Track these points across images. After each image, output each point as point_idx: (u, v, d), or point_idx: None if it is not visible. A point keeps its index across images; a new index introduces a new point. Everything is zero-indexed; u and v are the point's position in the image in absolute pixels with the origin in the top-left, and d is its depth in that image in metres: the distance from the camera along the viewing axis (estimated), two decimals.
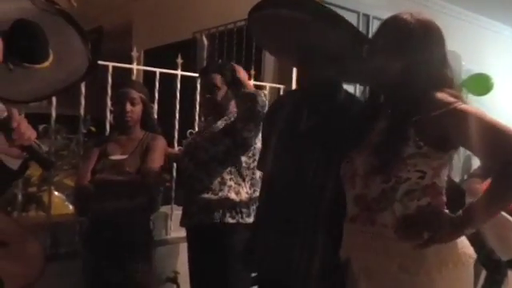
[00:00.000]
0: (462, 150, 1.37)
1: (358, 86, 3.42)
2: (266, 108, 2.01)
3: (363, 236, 1.34)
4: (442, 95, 1.26)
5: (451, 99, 1.24)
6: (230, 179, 2.15)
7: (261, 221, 1.80)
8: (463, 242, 1.30)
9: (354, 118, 1.58)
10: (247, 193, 2.15)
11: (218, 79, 2.20)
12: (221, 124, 2.20)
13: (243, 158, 2.18)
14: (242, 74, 2.11)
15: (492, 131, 1.19)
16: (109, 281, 2.08)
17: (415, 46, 1.31)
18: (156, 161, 2.13)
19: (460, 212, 1.20)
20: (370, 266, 1.32)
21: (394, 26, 1.35)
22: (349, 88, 3.24)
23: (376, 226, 1.31)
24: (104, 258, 2.08)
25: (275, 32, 1.70)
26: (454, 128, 1.23)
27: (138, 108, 2.21)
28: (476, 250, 1.36)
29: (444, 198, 1.34)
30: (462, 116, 1.21)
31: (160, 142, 2.22)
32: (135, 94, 2.19)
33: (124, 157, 2.13)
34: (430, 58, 1.32)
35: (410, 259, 1.25)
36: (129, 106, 2.17)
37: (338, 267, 1.46)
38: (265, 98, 2.08)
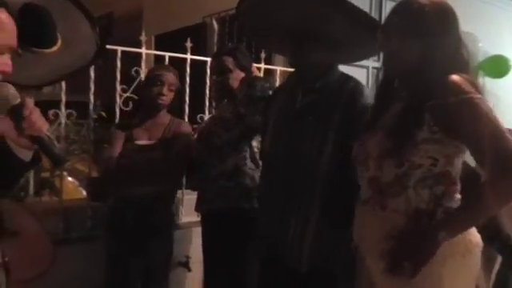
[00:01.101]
0: None
1: (370, 70, 3.39)
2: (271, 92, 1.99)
3: (372, 218, 1.34)
4: (458, 80, 1.23)
5: (468, 88, 1.21)
6: (244, 165, 2.13)
7: (262, 199, 1.84)
8: (470, 230, 1.27)
9: (366, 100, 1.59)
10: None
11: (230, 62, 2.17)
12: (233, 109, 2.18)
13: (254, 143, 2.16)
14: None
15: (494, 139, 1.17)
16: (131, 266, 2.10)
17: (430, 28, 1.28)
18: (183, 148, 2.11)
19: (437, 222, 1.22)
20: (376, 248, 1.31)
21: (408, 8, 1.32)
22: (361, 72, 3.21)
23: (386, 211, 1.29)
24: (127, 243, 2.09)
25: (267, 15, 1.69)
26: (462, 118, 1.20)
27: (172, 95, 2.18)
28: (492, 236, 1.34)
29: (458, 187, 1.31)
30: (474, 110, 1.19)
31: (187, 129, 2.20)
32: (174, 81, 2.17)
33: (151, 142, 2.12)
34: (445, 40, 1.29)
35: None
36: (166, 90, 2.14)
37: (344, 248, 1.48)
38: (267, 83, 2.05)
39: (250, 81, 1.97)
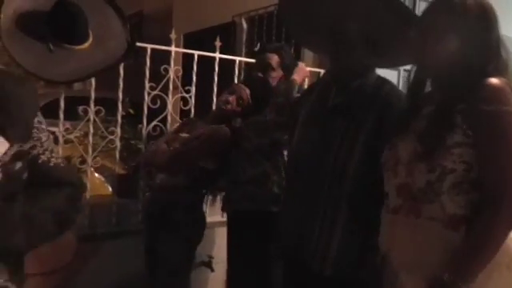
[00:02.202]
0: None
1: (401, 73, 3.31)
2: (297, 94, 1.96)
3: (406, 228, 1.27)
4: (499, 86, 1.16)
5: (508, 98, 1.15)
6: (274, 173, 2.10)
7: (286, 198, 1.80)
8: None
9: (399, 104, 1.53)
10: None
11: (274, 59, 2.13)
12: (269, 113, 2.11)
13: (286, 152, 2.11)
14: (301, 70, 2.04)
15: (507, 164, 1.13)
16: (152, 259, 2.11)
17: (471, 25, 1.22)
18: (200, 143, 2.10)
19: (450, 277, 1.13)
20: (411, 259, 1.25)
21: (448, 4, 1.26)
22: (392, 74, 3.14)
23: (421, 219, 1.23)
24: (156, 235, 2.11)
25: (308, 12, 1.65)
26: (490, 130, 1.15)
27: (237, 109, 2.20)
28: None
29: None
30: (506, 127, 1.14)
31: (214, 131, 2.16)
32: (245, 96, 2.19)
33: (186, 135, 2.14)
34: (486, 40, 1.22)
35: None
36: (233, 99, 2.17)
37: (370, 255, 1.43)
38: (294, 86, 1.99)
39: (288, 88, 1.91)
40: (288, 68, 2.07)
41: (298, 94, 2.08)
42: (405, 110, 1.41)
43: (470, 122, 1.17)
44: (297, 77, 1.98)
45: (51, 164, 1.11)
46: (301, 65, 2.09)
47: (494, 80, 1.17)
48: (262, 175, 2.09)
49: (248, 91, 2.18)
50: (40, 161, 1.08)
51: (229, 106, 2.17)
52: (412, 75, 1.44)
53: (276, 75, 2.12)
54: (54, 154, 1.12)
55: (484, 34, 1.23)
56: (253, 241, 2.07)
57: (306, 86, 2.78)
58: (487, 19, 1.24)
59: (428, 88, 1.39)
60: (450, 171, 1.19)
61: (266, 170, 2.09)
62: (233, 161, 2.17)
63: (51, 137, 1.15)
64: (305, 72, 2.07)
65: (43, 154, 1.09)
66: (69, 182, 1.17)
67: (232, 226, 2.25)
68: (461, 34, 1.22)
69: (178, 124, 2.46)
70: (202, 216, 2.23)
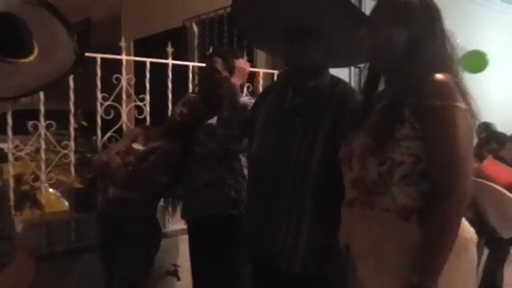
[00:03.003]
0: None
1: (352, 70, 3.40)
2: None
3: (362, 220, 1.31)
4: (445, 81, 1.22)
5: (453, 93, 1.21)
6: (231, 178, 2.09)
7: (249, 200, 1.81)
8: (464, 226, 1.26)
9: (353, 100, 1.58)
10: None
11: (219, 63, 2.14)
12: (217, 128, 2.12)
13: (243, 158, 2.11)
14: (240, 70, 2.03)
15: (455, 161, 1.19)
16: (111, 275, 2.07)
17: (416, 18, 1.28)
18: (155, 161, 2.08)
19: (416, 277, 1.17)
20: (369, 250, 1.29)
21: (393, 1, 1.33)
22: (343, 72, 3.22)
23: (375, 210, 1.28)
24: (106, 251, 2.08)
25: (261, 13, 1.66)
26: (437, 124, 1.20)
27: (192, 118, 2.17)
28: (478, 230, 1.33)
29: None
30: (451, 122, 1.20)
31: (169, 147, 2.13)
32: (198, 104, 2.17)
33: (141, 148, 2.10)
34: (431, 33, 1.29)
35: (409, 243, 1.22)
36: (184, 110, 2.15)
37: (334, 251, 1.46)
38: (236, 91, 1.97)
39: (234, 102, 1.91)
40: (231, 69, 2.09)
41: (248, 97, 2.11)
42: (359, 106, 1.46)
43: (417, 116, 1.22)
44: (236, 79, 1.97)
45: None
46: (239, 63, 2.07)
47: (440, 76, 1.22)
48: (217, 180, 2.08)
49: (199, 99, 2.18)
50: None
51: (181, 118, 2.15)
52: (365, 73, 1.49)
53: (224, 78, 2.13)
54: None
55: (428, 26, 1.28)
56: (214, 245, 2.07)
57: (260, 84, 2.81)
58: (431, 13, 1.31)
59: (382, 86, 1.43)
60: (398, 163, 1.23)
61: (221, 175, 2.08)
62: (188, 167, 2.16)
63: None
64: (244, 71, 2.06)
65: None
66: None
67: (192, 233, 2.24)
68: (406, 26, 1.28)
69: (129, 131, 2.41)
70: (157, 227, 2.20)
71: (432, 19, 1.30)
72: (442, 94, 1.21)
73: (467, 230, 1.28)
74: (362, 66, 1.69)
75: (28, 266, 1.70)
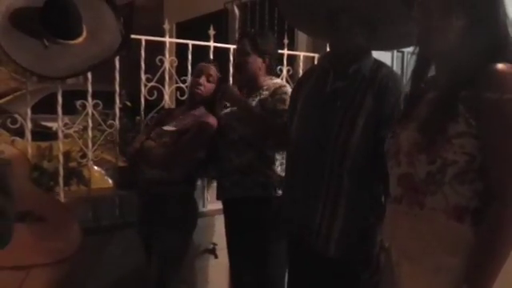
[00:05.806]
0: None
1: (394, 54, 3.31)
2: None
3: (408, 219, 1.22)
4: (505, 70, 1.08)
5: None
6: (261, 163, 2.12)
7: (288, 180, 1.83)
8: None
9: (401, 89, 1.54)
10: (278, 176, 2.12)
11: (247, 45, 2.14)
12: (252, 101, 2.15)
13: None
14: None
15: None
16: (151, 252, 2.13)
17: (479, 3, 1.14)
18: (192, 138, 2.11)
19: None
20: (413, 250, 1.22)
21: None
22: (385, 56, 3.15)
23: (425, 209, 1.19)
24: (145, 226, 2.15)
25: None
26: (498, 120, 1.08)
27: (210, 86, 2.21)
28: None
29: None
30: (508, 116, 1.07)
31: (211, 120, 2.17)
32: (213, 72, 2.21)
33: (173, 128, 2.14)
34: (494, 21, 1.15)
35: (461, 244, 1.14)
36: (203, 80, 2.18)
37: (370, 237, 1.44)
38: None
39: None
40: (263, 52, 2.11)
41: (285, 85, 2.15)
42: (408, 94, 1.36)
43: (473, 111, 1.10)
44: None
45: None
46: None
47: (500, 65, 1.09)
48: (247, 165, 2.11)
49: (213, 67, 2.21)
50: None
51: (201, 88, 2.18)
52: (415, 58, 1.35)
53: (251, 60, 2.14)
54: None
55: (492, 13, 1.15)
56: (247, 225, 2.11)
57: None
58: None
59: (433, 72, 1.32)
60: (451, 163, 1.13)
61: (251, 159, 2.11)
62: (219, 151, 2.20)
63: None
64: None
65: None
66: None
67: (227, 213, 2.29)
68: (467, 12, 1.15)
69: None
70: (195, 206, 2.25)
71: (496, 5, 1.16)
72: (501, 86, 1.07)
73: None
74: (404, 50, 1.66)
75: (77, 236, 1.79)
